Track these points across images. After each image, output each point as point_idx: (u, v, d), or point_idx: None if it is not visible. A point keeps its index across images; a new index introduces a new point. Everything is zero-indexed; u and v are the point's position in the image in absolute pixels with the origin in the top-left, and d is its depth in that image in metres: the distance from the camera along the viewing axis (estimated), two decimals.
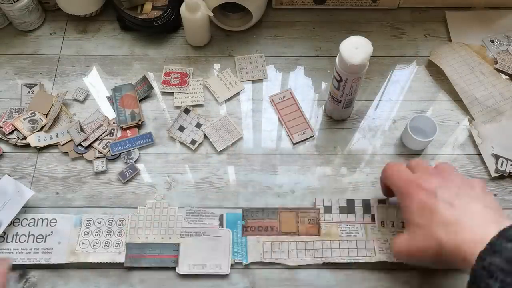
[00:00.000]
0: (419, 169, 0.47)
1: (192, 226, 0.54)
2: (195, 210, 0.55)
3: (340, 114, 0.61)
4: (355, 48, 0.50)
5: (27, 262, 0.52)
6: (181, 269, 0.51)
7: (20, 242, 0.53)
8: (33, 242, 0.53)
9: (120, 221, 0.54)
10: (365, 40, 0.51)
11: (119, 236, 0.53)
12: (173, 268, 0.52)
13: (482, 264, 0.35)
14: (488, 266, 0.34)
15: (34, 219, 0.54)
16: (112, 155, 0.59)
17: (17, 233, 0.53)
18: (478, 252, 0.36)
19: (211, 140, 0.59)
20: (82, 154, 0.59)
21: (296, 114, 0.61)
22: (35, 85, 0.64)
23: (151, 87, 0.64)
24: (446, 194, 0.42)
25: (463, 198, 0.42)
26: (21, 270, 0.52)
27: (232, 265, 0.52)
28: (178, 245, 0.53)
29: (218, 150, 0.59)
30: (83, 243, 0.53)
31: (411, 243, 0.43)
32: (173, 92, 0.64)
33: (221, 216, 0.55)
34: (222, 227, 0.54)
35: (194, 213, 0.55)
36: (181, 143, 0.60)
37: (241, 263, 0.52)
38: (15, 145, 0.60)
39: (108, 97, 0.64)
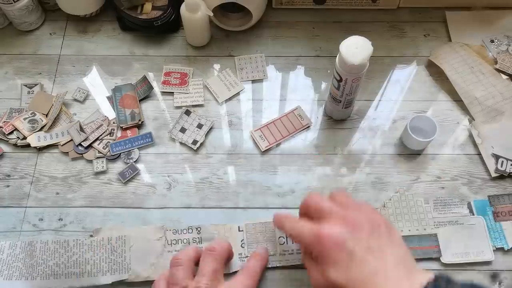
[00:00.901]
0: (322, 215, 0.44)
1: (443, 216, 0.55)
2: (441, 200, 0.56)
3: (340, 114, 0.61)
4: (355, 48, 0.50)
5: None
6: (445, 258, 0.52)
7: None
8: None
9: None
10: (365, 40, 0.51)
11: None
12: (437, 259, 0.52)
13: None
14: None
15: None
16: (112, 155, 0.59)
17: None
18: None
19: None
20: (82, 154, 0.59)
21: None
22: (35, 85, 0.64)
23: (151, 87, 0.64)
24: (358, 250, 0.39)
25: (375, 253, 0.40)
26: None
27: (493, 251, 0.53)
28: (435, 235, 0.53)
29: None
30: None
31: None
32: (173, 92, 0.64)
33: (469, 204, 0.56)
34: (473, 214, 0.55)
35: (441, 203, 0.55)
36: (181, 143, 0.60)
37: (502, 248, 0.53)
38: (15, 145, 0.60)
39: (108, 97, 0.64)
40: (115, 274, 0.51)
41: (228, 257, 0.50)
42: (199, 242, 0.53)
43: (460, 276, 0.52)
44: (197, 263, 0.48)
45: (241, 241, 0.53)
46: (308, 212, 0.46)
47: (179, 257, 0.47)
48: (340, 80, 0.54)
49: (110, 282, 0.51)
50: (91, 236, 0.54)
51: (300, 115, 0.62)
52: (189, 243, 0.53)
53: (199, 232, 0.54)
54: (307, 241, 0.42)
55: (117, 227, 0.55)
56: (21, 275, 0.51)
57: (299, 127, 0.61)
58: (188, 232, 0.54)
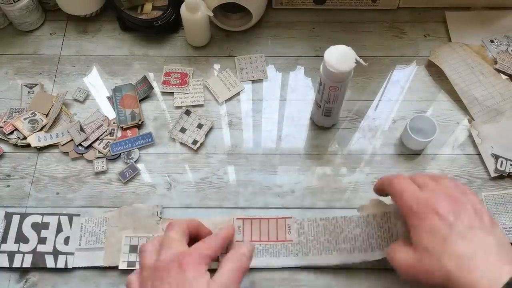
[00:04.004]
0: (427, 187, 0.42)
1: None
2: None
3: (320, 120, 0.60)
4: (340, 56, 0.49)
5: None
6: None
7: None
8: None
9: None
10: (351, 53, 0.50)
11: None
12: None
13: None
14: None
15: None
16: (112, 155, 0.59)
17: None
18: None
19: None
20: (82, 154, 0.59)
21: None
22: (35, 85, 0.65)
23: (151, 87, 0.64)
24: (460, 224, 0.38)
25: (477, 231, 0.39)
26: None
27: None
28: None
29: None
30: None
31: (418, 265, 0.40)
32: (173, 92, 0.64)
33: None
34: None
35: None
36: (181, 143, 0.61)
37: None
38: (15, 145, 0.60)
39: (108, 97, 0.64)
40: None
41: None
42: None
43: None
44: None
45: (239, 227, 0.53)
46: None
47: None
48: (320, 83, 0.54)
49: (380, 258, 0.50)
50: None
51: (289, 228, 0.53)
52: None
53: None
54: (407, 203, 0.41)
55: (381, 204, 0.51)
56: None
57: (281, 239, 0.53)
58: None
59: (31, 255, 0.52)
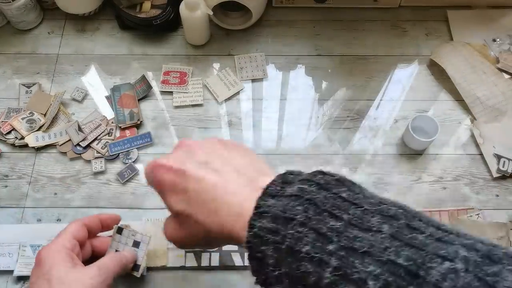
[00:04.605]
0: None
1: None
2: None
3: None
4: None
5: None
6: None
7: None
8: None
9: None
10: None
11: None
12: None
13: (253, 233, 0.29)
14: (259, 232, 0.28)
15: None
16: (111, 155, 0.59)
17: None
18: (245, 223, 0.29)
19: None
20: (80, 154, 0.59)
21: None
22: (33, 84, 0.64)
23: (150, 87, 0.63)
24: (193, 166, 0.34)
25: (209, 164, 0.34)
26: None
27: None
28: None
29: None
30: None
31: (179, 232, 0.36)
32: (172, 92, 0.64)
33: None
34: None
35: None
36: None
37: None
38: (13, 145, 0.60)
39: (106, 97, 0.64)
40: None
41: None
42: None
43: None
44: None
45: None
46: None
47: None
48: None
49: None
50: None
51: None
52: None
53: None
54: (147, 177, 0.37)
55: None
56: None
57: None
58: None
59: None
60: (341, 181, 0.29)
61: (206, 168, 0.34)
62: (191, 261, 0.52)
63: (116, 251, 0.48)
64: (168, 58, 0.67)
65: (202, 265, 0.52)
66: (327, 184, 0.29)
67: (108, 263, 0.44)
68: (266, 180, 0.31)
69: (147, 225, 0.54)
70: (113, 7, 0.67)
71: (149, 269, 0.52)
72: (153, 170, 0.36)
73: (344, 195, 0.28)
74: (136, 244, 0.49)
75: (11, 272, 0.51)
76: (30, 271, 0.44)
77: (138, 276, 0.49)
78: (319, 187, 0.29)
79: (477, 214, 0.54)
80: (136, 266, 0.49)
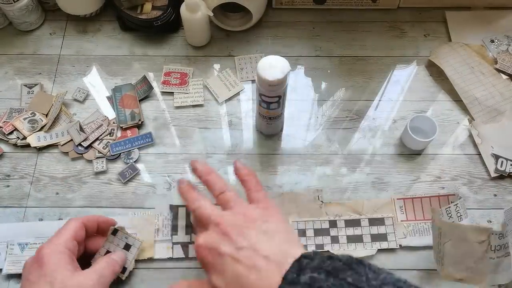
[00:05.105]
0: (202, 220, 0.44)
1: None
2: None
3: (260, 125, 0.60)
4: (270, 67, 0.48)
5: None
6: None
7: None
8: None
9: None
10: (283, 62, 0.49)
11: None
12: None
13: None
14: None
15: None
16: (112, 155, 0.59)
17: None
18: None
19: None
20: (82, 154, 0.59)
21: None
22: (35, 85, 0.64)
23: (151, 87, 0.64)
24: (228, 248, 0.40)
25: (244, 249, 0.39)
26: None
27: None
28: None
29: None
30: None
31: None
32: (173, 92, 0.64)
33: None
34: None
35: None
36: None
37: None
38: (15, 145, 0.60)
39: (108, 97, 0.64)
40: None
41: None
42: None
43: None
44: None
45: (400, 207, 0.55)
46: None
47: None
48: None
49: None
50: None
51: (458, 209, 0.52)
52: None
53: None
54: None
55: None
56: None
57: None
58: None
59: None
60: (348, 264, 0.35)
61: (242, 250, 0.39)
62: (179, 253, 0.53)
63: (108, 251, 0.50)
64: (168, 59, 0.68)
65: (189, 256, 0.53)
66: (335, 270, 0.34)
67: (105, 271, 0.46)
68: (290, 261, 0.36)
69: (134, 219, 0.55)
70: (114, 8, 0.68)
71: (136, 261, 0.52)
72: (196, 250, 0.42)
73: (349, 279, 0.33)
74: (127, 247, 0.51)
75: None
76: (21, 269, 0.45)
77: (123, 278, 0.50)
78: (327, 274, 0.34)
79: (456, 204, 0.52)
80: (123, 269, 0.50)
